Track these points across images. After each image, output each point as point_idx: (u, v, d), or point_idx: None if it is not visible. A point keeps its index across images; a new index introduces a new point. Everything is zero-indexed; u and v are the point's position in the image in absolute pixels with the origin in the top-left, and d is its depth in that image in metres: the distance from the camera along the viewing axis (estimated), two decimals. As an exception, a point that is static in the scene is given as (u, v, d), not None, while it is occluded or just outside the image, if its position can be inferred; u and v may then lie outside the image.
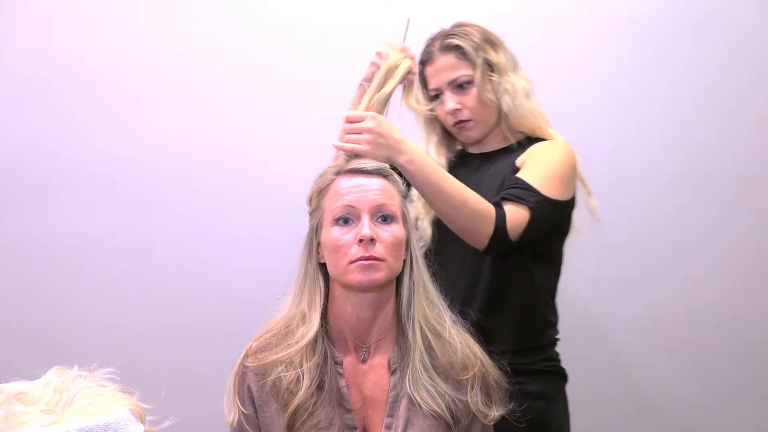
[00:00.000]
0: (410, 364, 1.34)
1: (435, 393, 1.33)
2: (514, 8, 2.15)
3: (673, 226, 2.19)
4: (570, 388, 2.21)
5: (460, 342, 1.38)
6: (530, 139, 1.74)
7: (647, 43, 2.17)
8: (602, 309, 2.19)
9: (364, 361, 1.38)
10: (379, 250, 1.30)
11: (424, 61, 1.74)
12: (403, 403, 1.34)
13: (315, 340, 1.34)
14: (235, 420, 1.34)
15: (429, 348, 1.36)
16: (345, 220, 1.33)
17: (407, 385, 1.34)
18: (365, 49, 2.12)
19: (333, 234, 1.33)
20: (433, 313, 1.40)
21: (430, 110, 1.74)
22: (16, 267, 2.14)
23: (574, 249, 2.17)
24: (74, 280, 2.15)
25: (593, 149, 2.16)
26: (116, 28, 2.12)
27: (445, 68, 1.71)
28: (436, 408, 1.32)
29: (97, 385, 0.78)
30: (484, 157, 1.76)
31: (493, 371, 1.40)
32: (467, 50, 1.70)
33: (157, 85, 2.14)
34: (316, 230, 1.38)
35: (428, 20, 2.13)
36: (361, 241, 1.30)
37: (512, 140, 1.74)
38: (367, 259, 1.29)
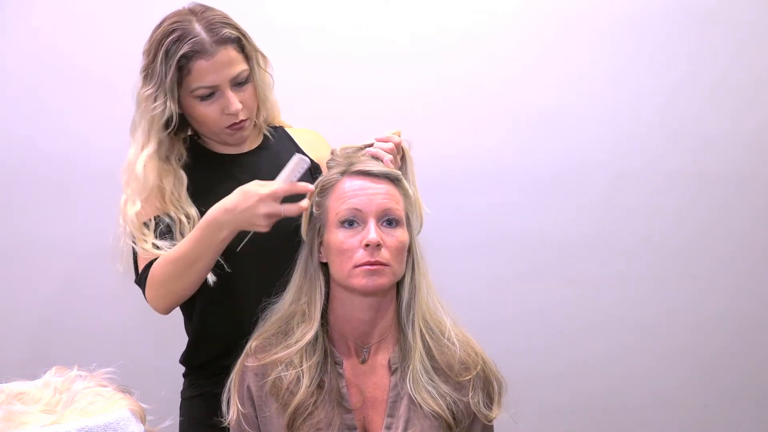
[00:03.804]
0: (411, 365, 1.34)
1: (436, 394, 1.33)
2: (515, 6, 2.15)
3: (674, 224, 2.19)
4: (572, 387, 2.21)
5: (462, 343, 1.38)
6: (275, 129, 1.66)
7: (649, 41, 2.16)
8: (603, 308, 2.18)
9: (364, 362, 1.37)
10: (384, 255, 1.30)
11: (191, 54, 1.45)
12: (404, 404, 1.34)
13: (315, 339, 1.34)
14: (234, 419, 1.34)
15: (429, 349, 1.37)
16: (350, 222, 1.32)
17: (408, 386, 1.34)
18: (365, 51, 2.14)
19: (338, 236, 1.32)
20: (434, 316, 1.40)
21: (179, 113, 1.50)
22: (16, 266, 2.14)
23: (575, 248, 2.18)
24: (75, 279, 2.15)
25: (594, 148, 2.17)
26: (117, 28, 2.11)
27: (226, 63, 1.47)
28: (436, 408, 1.32)
29: (97, 385, 0.77)
30: (247, 156, 1.60)
31: (494, 371, 1.40)
32: (243, 42, 1.51)
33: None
34: (318, 230, 1.38)
35: (429, 21, 2.15)
36: (367, 245, 1.29)
37: (264, 133, 1.64)
38: (372, 264, 1.29)
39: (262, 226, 1.38)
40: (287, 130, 1.68)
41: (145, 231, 1.48)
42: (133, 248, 1.50)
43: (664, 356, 2.20)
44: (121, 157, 2.18)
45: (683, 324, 2.20)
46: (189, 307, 1.60)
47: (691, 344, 2.20)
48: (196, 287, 1.48)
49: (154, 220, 1.49)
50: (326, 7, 2.14)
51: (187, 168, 1.54)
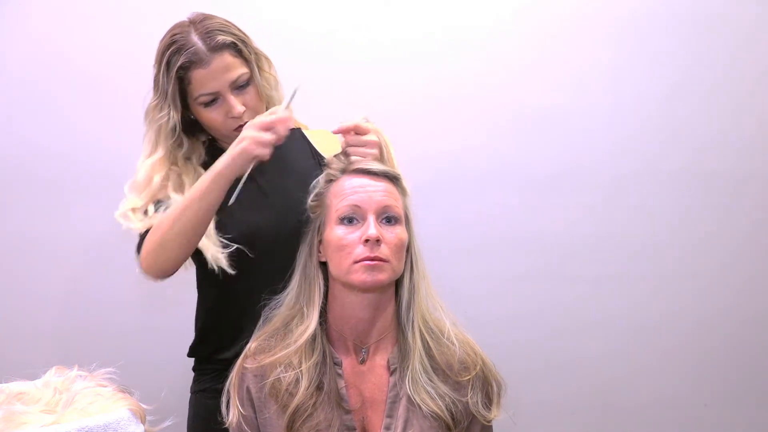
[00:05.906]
0: (410, 365, 1.34)
1: (435, 394, 1.33)
2: (515, 6, 2.15)
3: (675, 224, 2.19)
4: (571, 387, 2.21)
5: (461, 343, 1.38)
6: (291, 130, 1.65)
7: (649, 41, 2.16)
8: (603, 308, 2.18)
9: (363, 362, 1.37)
10: (383, 251, 1.30)
11: (188, 65, 1.51)
12: (402, 404, 1.34)
13: (313, 339, 1.34)
14: (234, 421, 1.34)
15: (428, 349, 1.37)
16: (350, 219, 1.33)
17: (407, 386, 1.34)
18: (365, 52, 2.14)
19: (337, 233, 1.33)
20: (433, 316, 1.40)
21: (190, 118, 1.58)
22: (16, 266, 2.14)
23: (575, 249, 2.18)
24: (74, 279, 2.14)
25: (594, 148, 2.17)
26: (117, 28, 2.11)
27: (223, 69, 1.52)
28: (435, 409, 1.32)
29: (97, 385, 0.78)
30: None
31: (493, 372, 1.40)
32: (240, 46, 1.55)
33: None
34: (318, 228, 1.38)
35: (429, 22, 2.15)
36: (366, 241, 1.30)
37: None
38: (372, 259, 1.30)
39: (255, 147, 1.40)
40: (303, 131, 1.71)
41: (142, 215, 1.53)
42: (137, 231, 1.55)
43: (664, 356, 2.20)
44: (121, 157, 2.18)
45: (683, 324, 2.20)
46: (202, 296, 1.66)
47: (691, 344, 2.20)
48: (187, 248, 1.48)
49: (159, 202, 1.53)
50: (326, 9, 2.14)
51: (206, 167, 1.59)
